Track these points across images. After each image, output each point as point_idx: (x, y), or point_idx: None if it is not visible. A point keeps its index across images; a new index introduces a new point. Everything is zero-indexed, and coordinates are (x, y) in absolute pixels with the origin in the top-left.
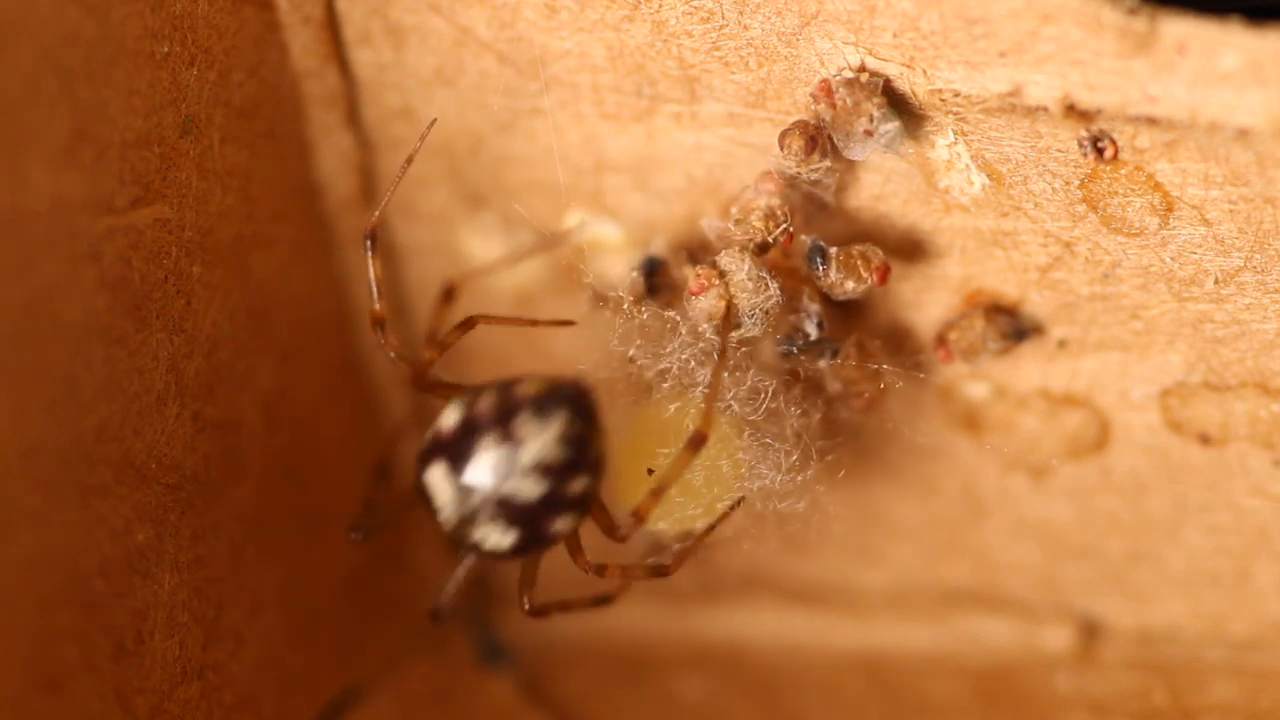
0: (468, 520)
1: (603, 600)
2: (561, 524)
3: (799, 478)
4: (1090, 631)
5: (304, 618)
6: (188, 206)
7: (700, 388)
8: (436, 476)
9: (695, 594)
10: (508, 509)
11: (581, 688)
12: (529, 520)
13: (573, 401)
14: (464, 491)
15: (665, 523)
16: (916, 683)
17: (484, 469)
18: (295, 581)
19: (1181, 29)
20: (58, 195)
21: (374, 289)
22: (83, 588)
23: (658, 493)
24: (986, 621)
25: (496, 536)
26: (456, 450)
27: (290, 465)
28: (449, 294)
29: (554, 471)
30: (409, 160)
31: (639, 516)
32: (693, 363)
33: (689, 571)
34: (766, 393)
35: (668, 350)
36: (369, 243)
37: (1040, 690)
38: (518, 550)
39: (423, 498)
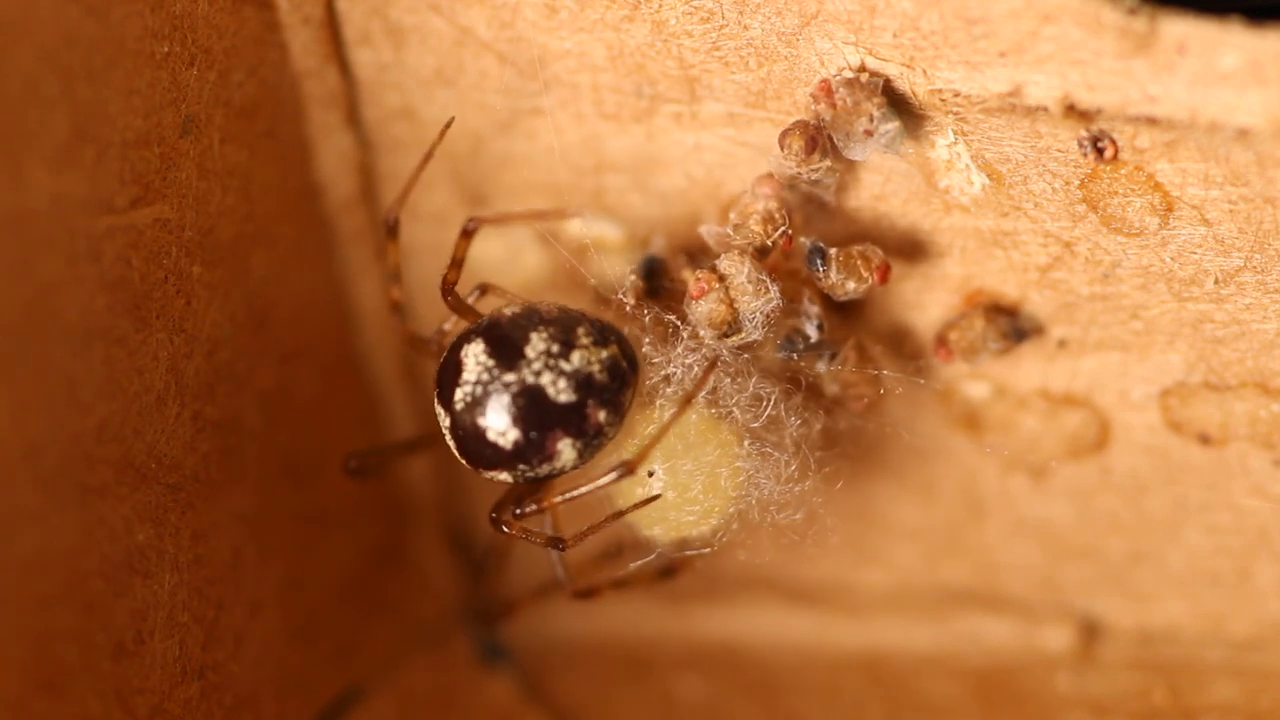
0: (480, 400)
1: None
2: (564, 449)
3: (797, 488)
4: (1090, 631)
5: (304, 618)
6: (188, 206)
7: (703, 393)
8: (474, 351)
9: (695, 594)
10: (526, 402)
11: (581, 688)
12: (537, 424)
13: (625, 346)
14: (494, 370)
15: (659, 529)
16: (916, 683)
17: (530, 352)
18: (295, 581)
19: (1181, 29)
20: (58, 195)
21: (393, 274)
22: (83, 588)
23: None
24: (986, 621)
25: (499, 427)
26: (505, 332)
27: (290, 465)
28: (469, 232)
29: (588, 388)
30: (429, 155)
31: (590, 595)
32: (696, 367)
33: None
34: (769, 400)
35: (671, 356)
36: (389, 230)
37: (1040, 690)
38: (510, 456)
39: (447, 371)
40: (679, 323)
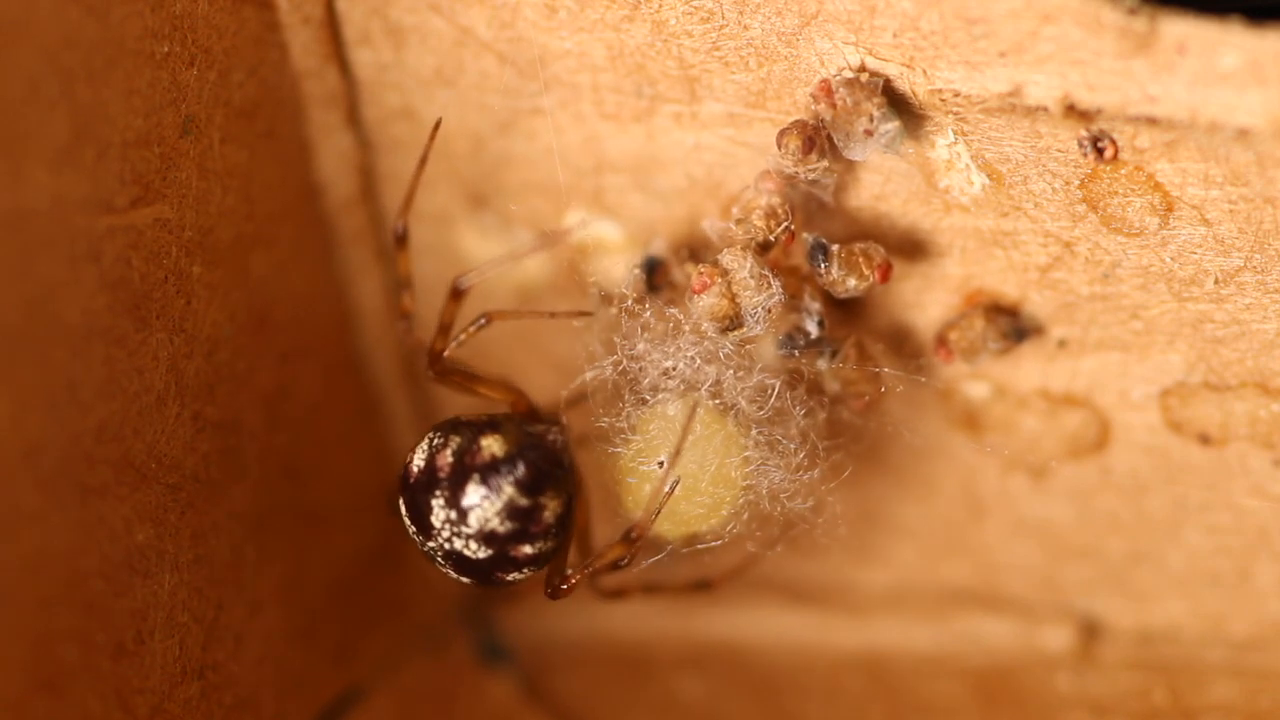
0: (432, 554)
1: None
2: (514, 576)
3: (806, 477)
4: (1090, 631)
5: (304, 618)
6: (188, 206)
7: (706, 386)
8: (404, 509)
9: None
10: (457, 560)
11: (581, 688)
12: (480, 572)
13: (536, 467)
14: (418, 537)
15: (668, 525)
16: (916, 683)
17: (435, 526)
18: (295, 581)
19: (1181, 29)
20: (58, 195)
21: (404, 282)
22: (83, 588)
23: (590, 573)
24: (986, 621)
25: (455, 577)
26: (412, 501)
27: (290, 465)
28: (457, 293)
29: (496, 540)
30: (423, 161)
31: (560, 592)
32: (698, 360)
33: (689, 571)
34: (772, 391)
35: (672, 349)
36: (398, 240)
37: (1040, 690)
38: (485, 578)
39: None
40: (680, 316)
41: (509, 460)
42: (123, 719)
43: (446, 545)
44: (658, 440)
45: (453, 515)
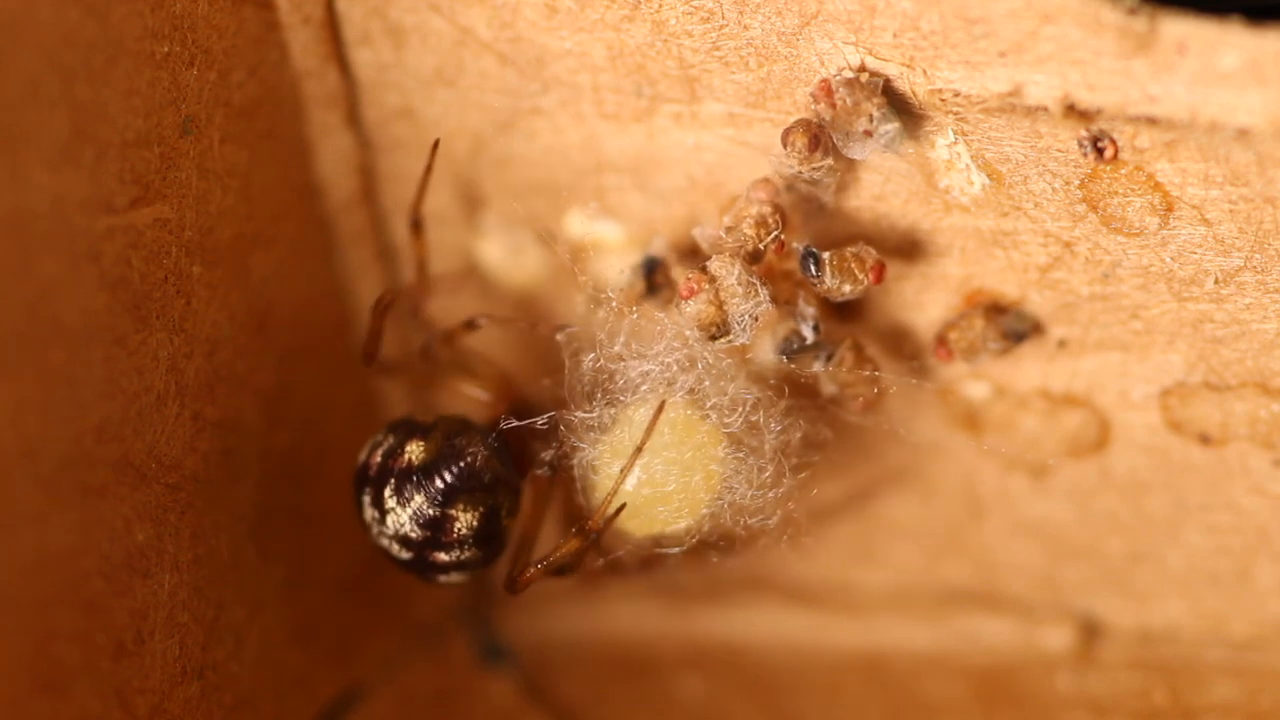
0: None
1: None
2: (444, 579)
3: (771, 494)
4: (1090, 631)
5: (304, 618)
6: (188, 206)
7: (680, 391)
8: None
9: (695, 594)
10: (389, 557)
11: (581, 688)
12: (411, 568)
13: (447, 480)
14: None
15: (635, 523)
16: (916, 683)
17: (366, 520)
18: (295, 581)
19: (1181, 29)
20: (58, 195)
21: (420, 270)
22: (83, 588)
23: (545, 567)
24: (986, 621)
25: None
26: (355, 492)
27: (290, 465)
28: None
29: (414, 544)
30: (428, 170)
31: (517, 586)
32: (675, 366)
33: (690, 571)
34: (746, 405)
35: (650, 354)
36: (414, 229)
37: (1040, 690)
38: (419, 570)
39: None
40: (666, 320)
41: (424, 469)
42: (123, 719)
43: (377, 540)
44: (625, 441)
45: (375, 514)
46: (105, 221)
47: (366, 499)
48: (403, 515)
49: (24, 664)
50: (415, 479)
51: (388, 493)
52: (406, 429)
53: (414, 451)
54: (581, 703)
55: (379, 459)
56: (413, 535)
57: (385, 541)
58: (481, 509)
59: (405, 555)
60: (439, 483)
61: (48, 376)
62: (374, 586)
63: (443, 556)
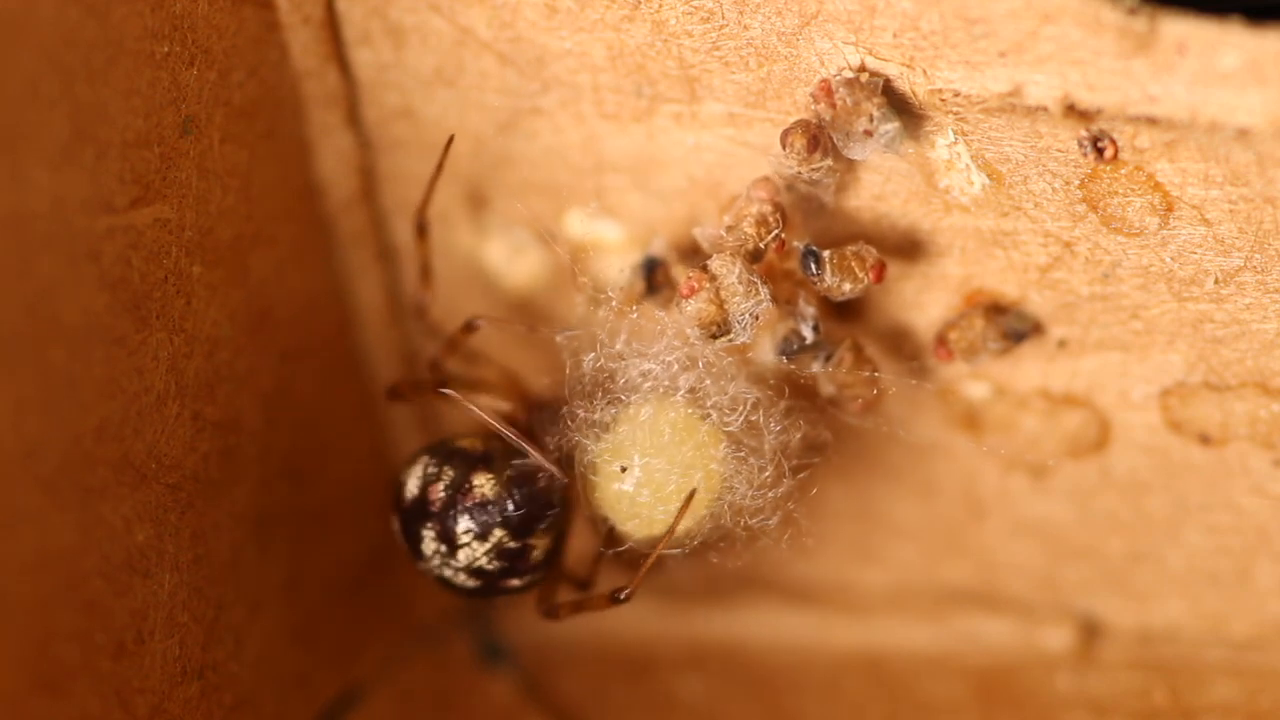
0: (423, 570)
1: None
2: (499, 597)
3: (771, 494)
4: (1090, 631)
5: (304, 618)
6: (188, 206)
7: (681, 392)
8: (398, 528)
9: (695, 594)
10: (446, 584)
11: (581, 688)
12: (466, 593)
13: (526, 511)
14: (414, 556)
15: (634, 524)
16: (916, 683)
17: (426, 554)
18: (295, 581)
19: (1181, 29)
20: (58, 195)
21: (424, 272)
22: (83, 588)
23: (580, 608)
24: (986, 621)
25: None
26: (405, 523)
27: (290, 465)
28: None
29: (487, 575)
30: (439, 169)
31: (559, 615)
32: (675, 366)
33: (689, 572)
34: (746, 405)
35: (651, 353)
36: (419, 232)
37: (1040, 690)
38: (486, 592)
39: None
40: (665, 318)
41: (499, 502)
42: (122, 719)
43: (436, 571)
44: (626, 441)
45: (443, 549)
46: (105, 221)
47: (430, 534)
48: (480, 550)
49: (24, 663)
50: (493, 511)
51: (462, 528)
52: (464, 460)
53: (484, 485)
54: (581, 703)
55: (442, 493)
56: (489, 567)
57: (449, 573)
58: (553, 534)
59: (472, 584)
60: (520, 515)
61: (48, 376)
62: (374, 586)
63: (515, 583)
